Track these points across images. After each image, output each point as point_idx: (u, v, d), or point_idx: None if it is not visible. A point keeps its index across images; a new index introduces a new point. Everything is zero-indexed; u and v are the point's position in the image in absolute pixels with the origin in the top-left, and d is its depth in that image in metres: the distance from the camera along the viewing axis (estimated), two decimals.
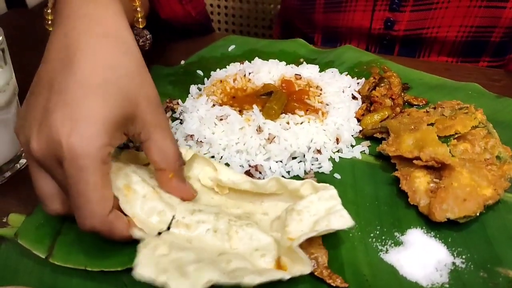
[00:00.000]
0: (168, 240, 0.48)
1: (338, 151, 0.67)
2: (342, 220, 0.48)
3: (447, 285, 0.49)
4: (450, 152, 0.58)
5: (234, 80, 0.75)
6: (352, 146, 0.68)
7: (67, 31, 0.50)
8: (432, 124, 0.63)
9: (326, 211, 0.49)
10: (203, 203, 0.57)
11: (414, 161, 0.59)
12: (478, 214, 0.54)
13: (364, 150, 0.67)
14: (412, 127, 0.63)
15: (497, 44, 0.93)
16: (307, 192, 0.52)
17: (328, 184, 0.52)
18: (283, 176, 0.64)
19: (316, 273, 0.49)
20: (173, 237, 0.50)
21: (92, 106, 0.45)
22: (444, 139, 0.60)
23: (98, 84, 0.46)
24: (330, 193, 0.50)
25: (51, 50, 0.50)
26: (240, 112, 0.69)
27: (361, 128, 0.70)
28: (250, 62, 0.82)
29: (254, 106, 0.68)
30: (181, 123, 0.73)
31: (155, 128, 0.50)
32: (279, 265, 0.47)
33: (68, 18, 0.51)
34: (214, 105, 0.71)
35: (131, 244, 0.48)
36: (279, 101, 0.68)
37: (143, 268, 0.43)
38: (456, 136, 0.60)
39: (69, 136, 0.43)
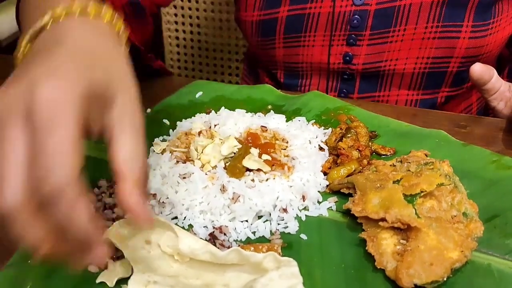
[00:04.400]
0: None
1: (304, 208, 0.66)
2: None
3: None
4: (416, 211, 0.58)
5: (200, 133, 0.74)
6: (319, 202, 0.67)
7: (53, 33, 0.48)
8: (398, 181, 0.62)
9: None
10: (161, 272, 0.54)
11: (380, 223, 0.58)
12: (445, 278, 0.53)
13: (331, 207, 0.66)
14: (378, 185, 0.62)
15: (455, 74, 0.94)
16: (270, 264, 0.50)
17: (291, 259, 0.50)
18: (248, 238, 0.62)
19: None
20: None
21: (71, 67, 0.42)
22: (410, 198, 0.59)
23: (83, 54, 0.45)
24: (291, 270, 0.49)
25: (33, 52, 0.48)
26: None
27: (328, 183, 0.69)
28: (217, 112, 0.81)
29: (218, 164, 0.67)
30: None
31: (126, 118, 0.44)
32: None
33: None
34: (177, 161, 0.69)
35: None
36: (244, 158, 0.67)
37: None
38: (422, 194, 0.59)
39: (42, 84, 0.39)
